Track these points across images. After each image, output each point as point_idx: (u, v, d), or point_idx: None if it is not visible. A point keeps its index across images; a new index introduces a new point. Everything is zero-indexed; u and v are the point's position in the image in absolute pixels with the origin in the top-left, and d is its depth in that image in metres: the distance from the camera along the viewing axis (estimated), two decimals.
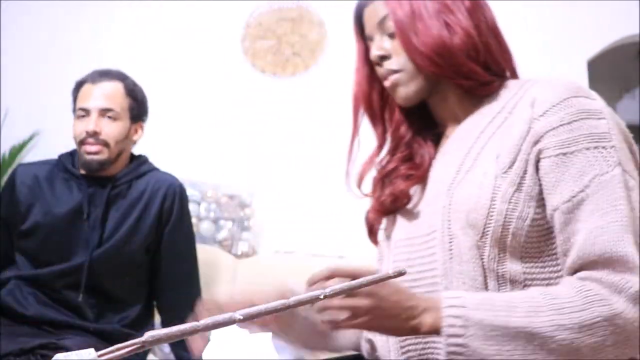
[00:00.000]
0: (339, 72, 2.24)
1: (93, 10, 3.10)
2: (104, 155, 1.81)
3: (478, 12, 1.00)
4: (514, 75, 1.04)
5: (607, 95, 0.95)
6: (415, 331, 0.85)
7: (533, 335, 0.80)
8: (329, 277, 0.84)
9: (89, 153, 1.80)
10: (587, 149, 0.87)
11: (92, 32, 3.08)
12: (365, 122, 1.10)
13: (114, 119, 1.83)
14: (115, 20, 3.10)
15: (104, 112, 1.81)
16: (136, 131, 1.92)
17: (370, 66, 1.06)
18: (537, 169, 0.89)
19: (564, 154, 0.87)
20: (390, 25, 0.99)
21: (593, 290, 0.82)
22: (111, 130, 1.82)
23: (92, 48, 3.03)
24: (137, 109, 1.90)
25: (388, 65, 1.00)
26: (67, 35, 3.09)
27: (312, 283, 0.85)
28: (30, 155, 2.91)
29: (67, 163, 1.88)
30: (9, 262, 1.84)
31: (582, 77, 3.00)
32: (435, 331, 0.83)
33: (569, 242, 0.86)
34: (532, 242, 0.88)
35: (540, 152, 0.89)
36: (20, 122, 2.96)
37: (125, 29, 3.09)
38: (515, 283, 0.88)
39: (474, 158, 0.94)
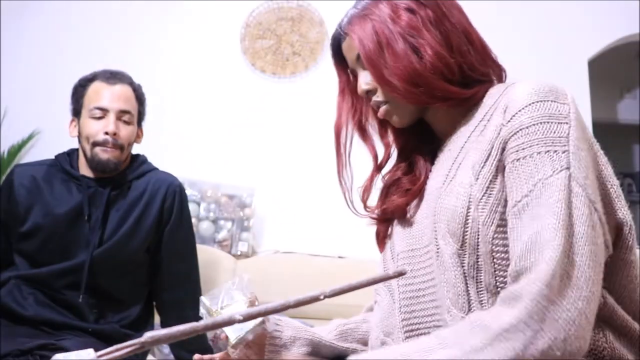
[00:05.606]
0: None
1: (93, 10, 3.10)
2: (118, 158, 1.82)
3: (444, 21, 0.98)
4: (499, 72, 1.03)
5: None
6: None
7: None
8: None
9: (106, 153, 1.79)
10: (539, 153, 0.84)
11: (92, 32, 3.08)
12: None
13: (129, 122, 1.84)
14: (114, 20, 3.10)
15: (121, 114, 1.82)
16: (139, 135, 1.93)
17: (355, 93, 1.09)
18: (504, 176, 0.88)
19: (517, 159, 0.85)
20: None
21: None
22: (126, 134, 1.83)
23: (92, 48, 3.03)
24: (142, 113, 1.92)
25: (375, 98, 1.03)
26: (67, 36, 3.09)
27: None
28: (30, 155, 2.91)
29: (64, 164, 1.87)
30: (7, 264, 1.83)
31: (582, 77, 3.00)
32: None
33: (513, 249, 0.82)
34: (499, 250, 0.85)
35: (504, 159, 0.87)
36: (19, 122, 2.96)
37: (124, 28, 3.09)
38: (490, 292, 0.86)
39: (457, 168, 0.95)
